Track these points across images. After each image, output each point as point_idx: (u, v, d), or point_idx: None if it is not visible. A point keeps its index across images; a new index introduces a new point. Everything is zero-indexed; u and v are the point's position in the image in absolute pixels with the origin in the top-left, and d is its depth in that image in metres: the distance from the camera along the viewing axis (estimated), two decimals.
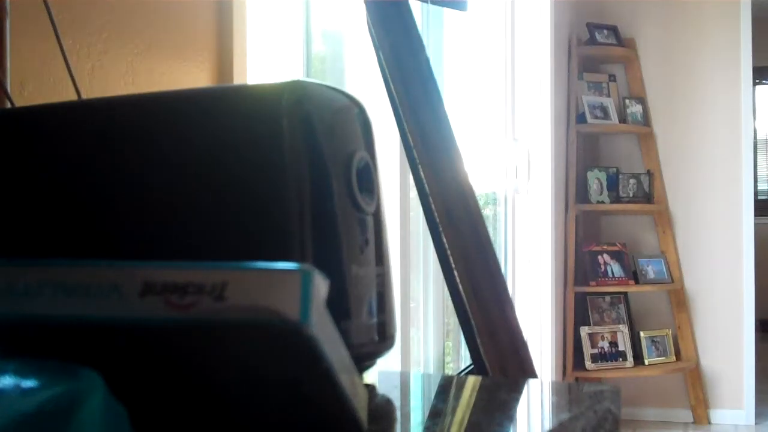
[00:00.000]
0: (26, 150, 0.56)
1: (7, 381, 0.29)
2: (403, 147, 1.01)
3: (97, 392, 0.30)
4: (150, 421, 0.36)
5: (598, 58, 4.26)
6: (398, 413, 0.49)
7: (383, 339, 0.54)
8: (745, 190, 4.14)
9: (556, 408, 0.50)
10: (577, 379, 3.86)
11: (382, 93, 1.04)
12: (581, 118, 4.05)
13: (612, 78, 4.27)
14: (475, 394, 0.54)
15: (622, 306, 4.16)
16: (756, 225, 4.19)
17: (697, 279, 4.19)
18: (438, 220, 0.94)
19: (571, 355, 3.94)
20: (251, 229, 0.49)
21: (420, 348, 2.94)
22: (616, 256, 4.09)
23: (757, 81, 7.11)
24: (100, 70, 1.17)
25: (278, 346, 0.33)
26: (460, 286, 0.93)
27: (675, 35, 4.22)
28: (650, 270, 4.12)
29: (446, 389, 0.56)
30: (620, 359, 3.96)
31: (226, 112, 0.52)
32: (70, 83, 1.04)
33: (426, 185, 0.95)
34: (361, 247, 0.52)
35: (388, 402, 0.51)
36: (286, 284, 0.31)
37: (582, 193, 4.06)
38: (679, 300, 4.17)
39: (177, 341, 0.34)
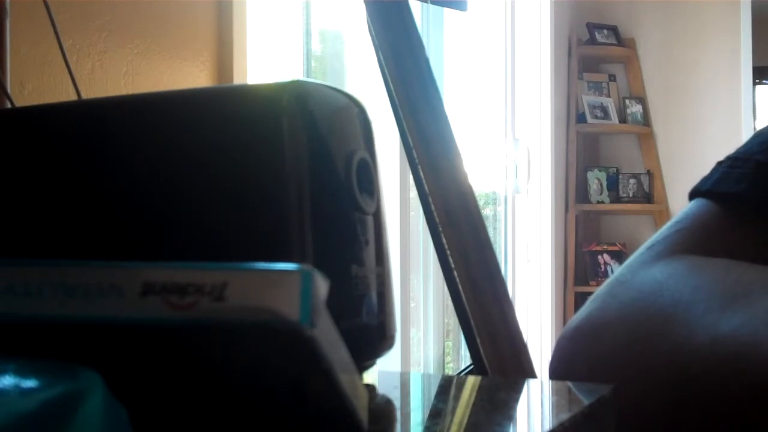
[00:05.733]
0: (26, 150, 0.56)
1: (7, 381, 0.29)
2: (403, 147, 1.01)
3: (97, 392, 0.30)
4: (150, 422, 0.36)
5: (598, 58, 4.26)
6: (398, 413, 0.49)
7: (383, 339, 0.54)
8: None
9: (556, 408, 0.50)
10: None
11: (382, 93, 1.04)
12: (581, 118, 4.05)
13: (612, 78, 4.26)
14: (475, 394, 0.54)
15: None
16: None
17: None
18: (438, 220, 0.94)
19: None
20: (251, 229, 0.49)
21: (420, 348, 2.94)
22: (616, 256, 4.09)
23: (757, 81, 7.09)
24: (100, 70, 1.17)
25: (278, 347, 0.33)
26: (460, 286, 0.93)
27: (675, 35, 4.22)
28: None
29: (446, 389, 0.56)
30: None
31: (226, 112, 0.51)
32: (70, 83, 1.04)
33: (426, 185, 0.95)
34: (361, 247, 0.52)
35: (388, 402, 0.51)
36: (285, 284, 0.31)
37: (582, 193, 4.06)
38: None
39: (177, 341, 0.34)
